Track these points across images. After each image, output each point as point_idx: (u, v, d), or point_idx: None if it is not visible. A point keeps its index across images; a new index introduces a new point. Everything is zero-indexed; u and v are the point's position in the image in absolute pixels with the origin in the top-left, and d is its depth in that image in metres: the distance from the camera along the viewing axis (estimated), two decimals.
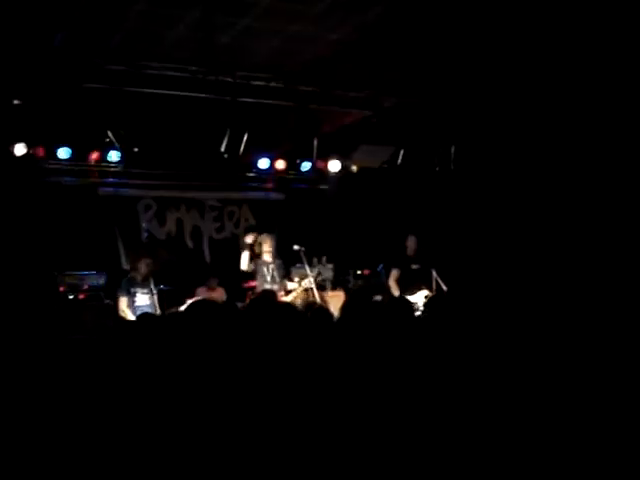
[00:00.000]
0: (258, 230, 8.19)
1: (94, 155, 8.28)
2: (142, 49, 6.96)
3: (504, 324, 3.02)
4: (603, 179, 7.56)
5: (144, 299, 7.33)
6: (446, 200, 9.59)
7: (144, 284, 7.38)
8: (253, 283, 7.82)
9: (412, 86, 8.22)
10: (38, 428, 2.25)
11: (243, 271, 7.60)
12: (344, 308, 3.20)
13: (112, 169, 8.61)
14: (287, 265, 7.95)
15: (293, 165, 9.48)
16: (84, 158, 8.28)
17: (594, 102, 7.38)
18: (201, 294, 7.61)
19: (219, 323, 2.64)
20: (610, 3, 5.88)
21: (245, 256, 7.52)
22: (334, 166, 9.42)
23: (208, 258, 9.62)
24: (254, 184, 9.81)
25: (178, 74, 7.41)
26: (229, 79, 7.61)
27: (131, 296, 7.25)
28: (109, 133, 8.11)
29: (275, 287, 7.29)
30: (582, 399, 2.42)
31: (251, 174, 9.54)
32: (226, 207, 9.81)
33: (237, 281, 8.25)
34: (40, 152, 7.86)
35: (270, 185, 9.88)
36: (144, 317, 3.56)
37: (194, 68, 7.37)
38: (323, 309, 3.27)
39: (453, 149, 9.57)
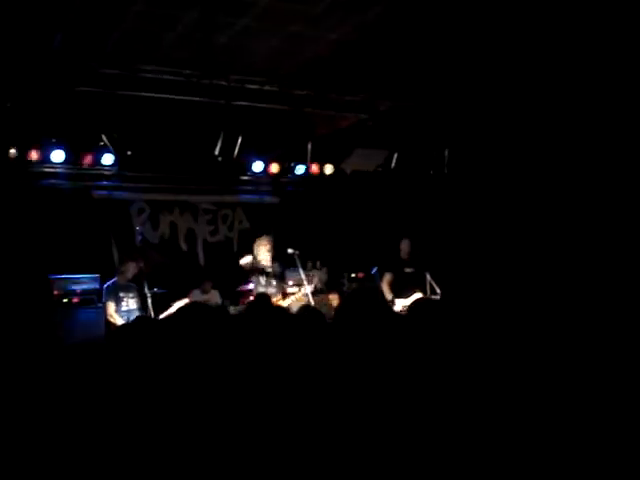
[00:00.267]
0: (255, 234, 8.13)
1: (88, 158, 8.25)
2: (139, 51, 6.94)
3: (498, 327, 3.02)
4: (598, 183, 7.60)
5: (132, 303, 7.30)
6: (440, 204, 9.62)
7: (130, 288, 7.36)
8: (247, 286, 7.80)
9: (407, 89, 8.23)
10: (35, 430, 2.25)
11: (240, 265, 7.49)
12: (338, 311, 3.20)
13: (106, 172, 8.60)
14: (282, 268, 7.92)
15: (287, 168, 9.49)
16: (78, 161, 8.25)
17: (588, 107, 7.43)
18: (195, 297, 7.61)
19: (210, 326, 2.64)
20: (600, 4, 5.92)
21: (248, 258, 7.42)
22: (328, 169, 9.44)
23: (202, 261, 9.61)
24: (248, 187, 9.79)
25: (172, 77, 7.40)
26: (223, 82, 7.61)
27: (119, 300, 7.22)
28: (103, 136, 8.10)
29: (270, 290, 7.23)
30: (576, 403, 2.42)
31: (245, 177, 9.54)
32: (220, 210, 9.78)
33: (231, 284, 8.25)
34: (34, 155, 7.84)
35: (264, 188, 9.88)
36: (140, 320, 3.55)
37: (188, 71, 7.36)
38: (317, 311, 3.27)
39: (447, 153, 9.62)
